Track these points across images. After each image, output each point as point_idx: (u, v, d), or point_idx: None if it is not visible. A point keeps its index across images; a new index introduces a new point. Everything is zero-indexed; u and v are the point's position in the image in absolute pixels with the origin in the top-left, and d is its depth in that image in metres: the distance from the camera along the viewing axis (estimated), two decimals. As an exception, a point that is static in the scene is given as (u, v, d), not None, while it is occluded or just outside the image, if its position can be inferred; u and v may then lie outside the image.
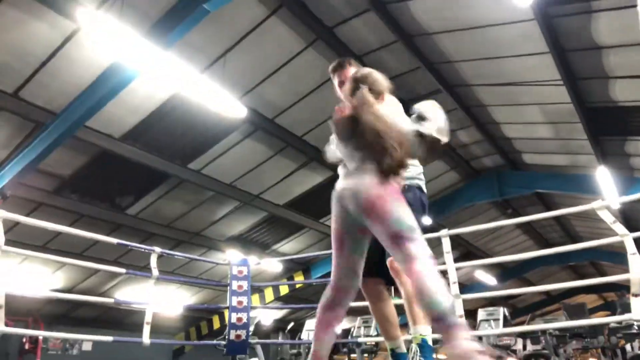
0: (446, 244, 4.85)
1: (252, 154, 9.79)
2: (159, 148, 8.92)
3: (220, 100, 7.09)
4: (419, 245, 2.07)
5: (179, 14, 6.11)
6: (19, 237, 9.06)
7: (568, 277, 20.73)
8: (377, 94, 2.31)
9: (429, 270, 2.00)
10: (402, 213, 2.11)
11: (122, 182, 9.68)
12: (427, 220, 3.41)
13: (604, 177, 9.56)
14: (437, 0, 6.71)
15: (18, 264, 10.35)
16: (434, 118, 2.21)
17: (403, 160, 2.15)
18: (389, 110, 2.29)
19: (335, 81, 2.94)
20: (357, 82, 2.33)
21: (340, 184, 2.26)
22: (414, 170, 2.84)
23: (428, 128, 2.18)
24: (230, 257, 6.37)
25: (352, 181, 2.20)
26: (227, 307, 5.73)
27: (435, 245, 4.30)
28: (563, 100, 8.38)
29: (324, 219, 12.66)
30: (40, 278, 11.12)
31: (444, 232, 4.90)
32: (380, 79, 2.38)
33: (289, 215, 12.05)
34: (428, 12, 6.99)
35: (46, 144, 7.29)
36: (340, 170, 2.42)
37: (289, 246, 13.64)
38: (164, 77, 7.11)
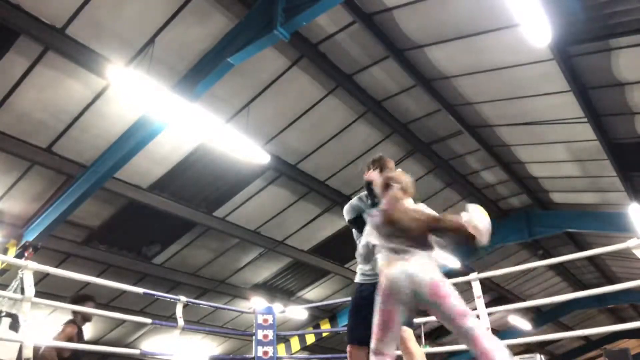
0: (476, 288, 4.70)
1: (275, 200, 9.86)
2: (185, 197, 9.07)
3: (244, 149, 7.23)
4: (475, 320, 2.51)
5: (205, 68, 6.35)
6: (48, 289, 9.18)
7: (607, 321, 19.76)
8: (404, 192, 2.83)
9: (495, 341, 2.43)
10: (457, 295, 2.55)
11: (149, 231, 9.81)
12: (455, 264, 3.41)
13: (637, 214, 9.26)
14: (454, 45, 6.83)
15: (47, 315, 10.43)
16: (477, 219, 2.68)
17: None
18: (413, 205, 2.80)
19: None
20: (388, 182, 2.87)
21: (393, 270, 2.57)
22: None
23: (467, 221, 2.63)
24: (255, 305, 6.30)
25: (408, 266, 2.56)
26: (253, 358, 5.62)
27: (465, 290, 4.18)
28: (588, 138, 8.28)
29: (349, 264, 12.50)
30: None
31: (473, 276, 4.77)
32: (407, 181, 2.88)
33: (313, 260, 11.95)
34: (446, 57, 7.11)
35: (76, 196, 7.50)
36: (382, 256, 2.70)
37: (314, 293, 13.44)
38: (190, 128, 7.32)
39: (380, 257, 2.71)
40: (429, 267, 2.58)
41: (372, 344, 2.60)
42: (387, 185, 2.85)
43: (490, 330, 4.64)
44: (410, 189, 2.88)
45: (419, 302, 2.56)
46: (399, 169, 3.08)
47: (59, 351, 4.61)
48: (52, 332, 5.15)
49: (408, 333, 2.98)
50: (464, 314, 2.48)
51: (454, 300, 2.50)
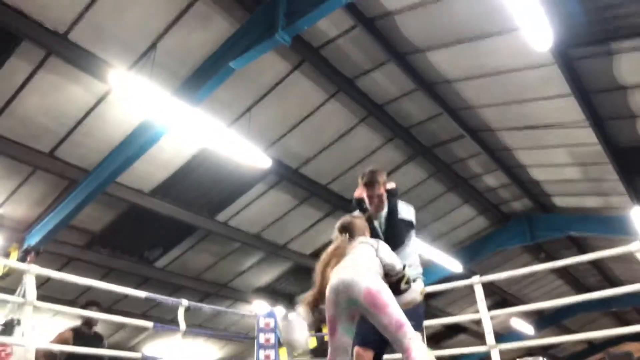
0: (479, 292, 4.70)
1: (277, 204, 9.86)
2: (187, 201, 9.08)
3: (245, 153, 7.24)
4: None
5: (206, 73, 6.37)
6: (50, 292, 9.19)
7: (610, 324, 19.67)
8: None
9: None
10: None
11: (150, 235, 9.82)
12: (457, 267, 3.40)
13: (639, 217, 9.24)
14: (456, 49, 6.84)
15: (49, 319, 10.43)
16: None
17: None
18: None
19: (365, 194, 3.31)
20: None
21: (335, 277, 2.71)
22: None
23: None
24: (257, 309, 6.30)
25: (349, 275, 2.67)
26: (255, 362, 5.61)
27: (467, 293, 4.17)
28: (590, 141, 8.27)
29: (351, 268, 12.48)
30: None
31: (476, 279, 4.77)
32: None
33: (315, 264, 11.92)
34: (447, 60, 7.12)
35: (78, 201, 7.51)
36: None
37: (317, 297, 13.41)
38: (192, 132, 7.33)
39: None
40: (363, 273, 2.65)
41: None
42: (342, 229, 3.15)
43: (492, 334, 4.62)
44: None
45: (357, 309, 2.62)
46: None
47: (51, 354, 4.63)
48: (49, 336, 5.18)
49: (368, 356, 2.94)
50: (400, 324, 2.52)
51: (391, 309, 2.53)
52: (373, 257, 2.78)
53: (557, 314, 18.08)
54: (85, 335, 5.17)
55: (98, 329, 5.57)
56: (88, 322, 5.29)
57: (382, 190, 3.23)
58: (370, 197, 3.24)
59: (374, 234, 3.10)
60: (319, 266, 2.92)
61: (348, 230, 2.99)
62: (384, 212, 3.24)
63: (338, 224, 3.09)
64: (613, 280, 15.39)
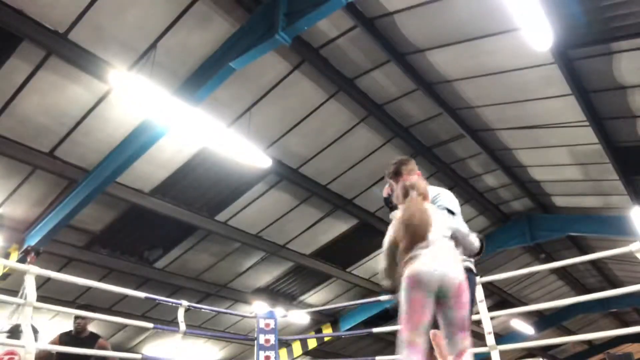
0: (479, 292, 4.69)
1: (277, 204, 9.86)
2: (187, 201, 9.08)
3: (245, 153, 7.24)
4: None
5: (207, 73, 6.37)
6: (50, 293, 9.20)
7: (611, 325, 19.68)
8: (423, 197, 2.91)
9: None
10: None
11: (150, 236, 9.81)
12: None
13: (639, 217, 9.23)
14: (456, 49, 6.84)
15: (49, 320, 10.42)
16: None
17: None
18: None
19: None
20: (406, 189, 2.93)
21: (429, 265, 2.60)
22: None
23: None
24: (257, 310, 6.29)
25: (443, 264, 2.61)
26: (255, 362, 5.60)
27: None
28: (590, 141, 8.27)
29: (350, 268, 12.48)
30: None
31: (476, 279, 4.75)
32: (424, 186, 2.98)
33: (315, 264, 11.94)
34: (447, 60, 7.12)
35: (78, 201, 7.51)
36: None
37: (316, 297, 13.41)
38: (192, 132, 7.33)
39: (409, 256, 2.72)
40: (458, 265, 2.65)
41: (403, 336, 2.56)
42: (406, 193, 2.92)
43: (492, 335, 4.62)
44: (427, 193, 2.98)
45: (440, 298, 2.56)
46: (415, 177, 3.14)
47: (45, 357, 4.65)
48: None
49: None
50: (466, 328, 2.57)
51: (469, 308, 2.60)
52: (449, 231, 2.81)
53: (557, 315, 18.06)
54: (71, 340, 5.15)
55: (97, 330, 5.57)
56: (78, 326, 5.28)
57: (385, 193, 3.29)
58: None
59: None
60: (408, 223, 2.73)
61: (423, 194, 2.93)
62: None
63: (409, 184, 2.97)
64: (613, 281, 15.39)
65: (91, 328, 5.69)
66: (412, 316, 2.53)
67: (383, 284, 3.00)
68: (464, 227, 2.95)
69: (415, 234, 2.67)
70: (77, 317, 5.21)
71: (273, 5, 5.68)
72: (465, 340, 2.56)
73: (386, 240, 2.91)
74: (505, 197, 11.43)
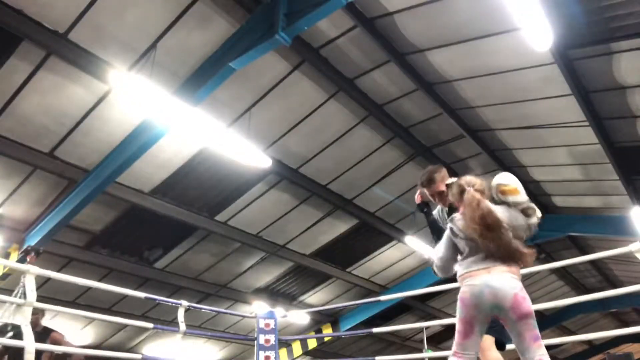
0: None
1: (277, 204, 9.86)
2: (187, 201, 9.08)
3: (245, 153, 7.24)
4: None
5: (206, 73, 6.37)
6: (50, 293, 9.20)
7: (611, 325, 19.68)
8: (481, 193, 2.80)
9: None
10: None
11: (150, 236, 9.81)
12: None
13: (639, 217, 9.23)
14: (456, 49, 6.83)
15: (49, 320, 10.42)
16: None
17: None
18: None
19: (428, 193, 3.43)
20: (462, 186, 2.84)
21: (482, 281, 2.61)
22: None
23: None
24: (257, 310, 6.29)
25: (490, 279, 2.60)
26: (255, 362, 5.60)
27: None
28: (590, 141, 8.27)
29: (350, 268, 12.48)
30: (70, 334, 11.14)
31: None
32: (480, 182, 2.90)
33: (315, 264, 11.94)
34: (447, 60, 7.12)
35: (78, 201, 7.51)
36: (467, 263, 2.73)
37: (316, 297, 13.42)
38: (192, 132, 7.33)
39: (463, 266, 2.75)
40: (512, 280, 2.60)
41: (453, 347, 2.69)
42: (461, 191, 2.83)
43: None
44: (486, 190, 2.89)
45: (499, 314, 2.61)
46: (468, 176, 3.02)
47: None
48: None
49: (488, 342, 3.00)
50: (538, 337, 2.54)
51: (534, 319, 2.56)
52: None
53: (557, 315, 18.04)
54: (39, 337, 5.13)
55: (97, 330, 5.54)
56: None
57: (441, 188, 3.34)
58: (432, 196, 3.40)
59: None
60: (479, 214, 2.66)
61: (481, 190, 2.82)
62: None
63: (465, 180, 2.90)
64: (613, 281, 15.39)
65: (91, 327, 5.67)
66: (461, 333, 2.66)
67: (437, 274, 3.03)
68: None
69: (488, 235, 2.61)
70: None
71: (273, 5, 5.68)
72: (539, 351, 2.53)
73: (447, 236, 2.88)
74: (505, 197, 11.41)
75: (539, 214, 3.00)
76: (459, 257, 2.80)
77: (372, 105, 8.19)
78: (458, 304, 2.67)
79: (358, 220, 10.78)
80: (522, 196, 3.00)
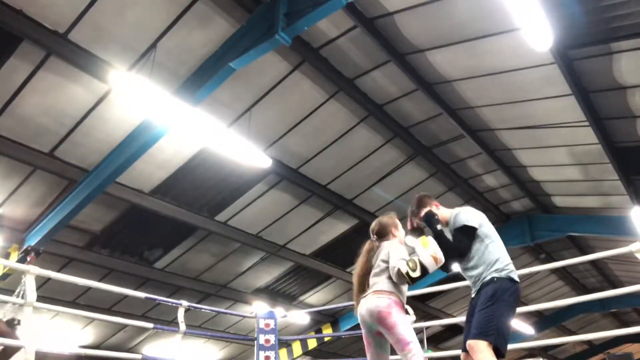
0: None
1: (277, 204, 9.86)
2: (187, 201, 9.08)
3: (245, 153, 7.24)
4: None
5: (206, 73, 6.37)
6: (50, 293, 9.20)
7: (611, 325, 19.68)
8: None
9: None
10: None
11: (150, 236, 9.81)
12: (455, 267, 3.43)
13: (639, 217, 9.23)
14: (456, 49, 6.83)
15: (49, 320, 10.43)
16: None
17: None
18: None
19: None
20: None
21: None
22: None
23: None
24: (257, 310, 6.29)
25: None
26: (255, 362, 5.60)
27: (467, 294, 4.17)
28: (590, 141, 8.27)
29: (350, 268, 12.46)
30: (70, 334, 11.15)
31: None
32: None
33: (315, 264, 11.94)
34: (447, 60, 7.12)
35: (78, 201, 7.51)
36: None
37: (316, 297, 13.42)
38: (192, 132, 7.33)
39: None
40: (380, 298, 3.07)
41: None
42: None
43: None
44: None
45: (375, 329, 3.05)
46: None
47: None
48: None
49: (473, 346, 3.00)
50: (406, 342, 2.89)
51: (399, 329, 2.93)
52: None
53: (557, 315, 18.06)
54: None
55: (97, 330, 5.51)
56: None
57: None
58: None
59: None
60: None
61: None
62: (448, 226, 3.60)
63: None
64: (613, 281, 15.38)
65: (91, 327, 5.67)
66: None
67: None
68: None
69: None
70: None
71: (273, 5, 5.68)
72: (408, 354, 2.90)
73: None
74: (505, 197, 11.43)
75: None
76: None
77: (372, 105, 8.19)
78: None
79: (358, 220, 10.78)
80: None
